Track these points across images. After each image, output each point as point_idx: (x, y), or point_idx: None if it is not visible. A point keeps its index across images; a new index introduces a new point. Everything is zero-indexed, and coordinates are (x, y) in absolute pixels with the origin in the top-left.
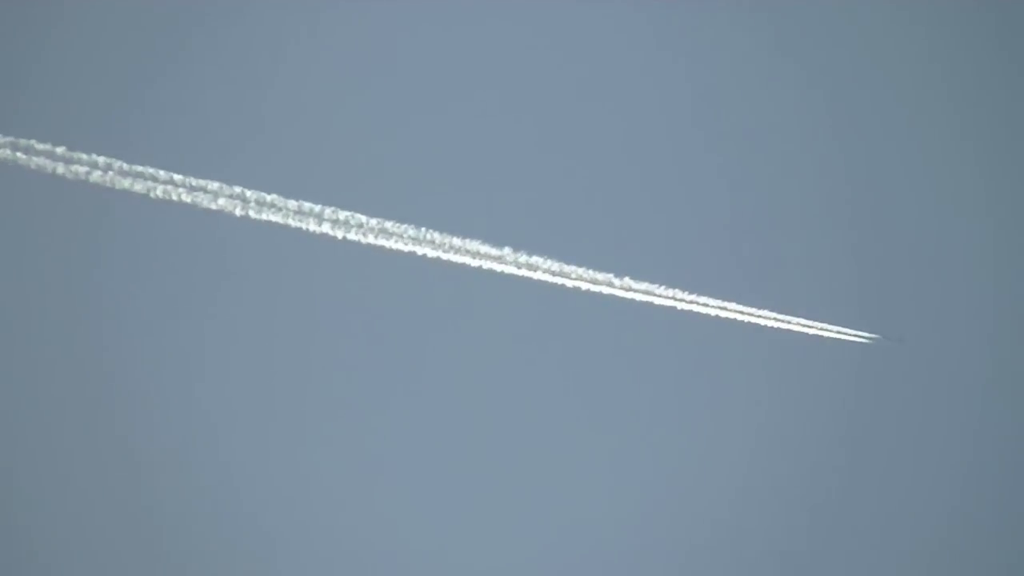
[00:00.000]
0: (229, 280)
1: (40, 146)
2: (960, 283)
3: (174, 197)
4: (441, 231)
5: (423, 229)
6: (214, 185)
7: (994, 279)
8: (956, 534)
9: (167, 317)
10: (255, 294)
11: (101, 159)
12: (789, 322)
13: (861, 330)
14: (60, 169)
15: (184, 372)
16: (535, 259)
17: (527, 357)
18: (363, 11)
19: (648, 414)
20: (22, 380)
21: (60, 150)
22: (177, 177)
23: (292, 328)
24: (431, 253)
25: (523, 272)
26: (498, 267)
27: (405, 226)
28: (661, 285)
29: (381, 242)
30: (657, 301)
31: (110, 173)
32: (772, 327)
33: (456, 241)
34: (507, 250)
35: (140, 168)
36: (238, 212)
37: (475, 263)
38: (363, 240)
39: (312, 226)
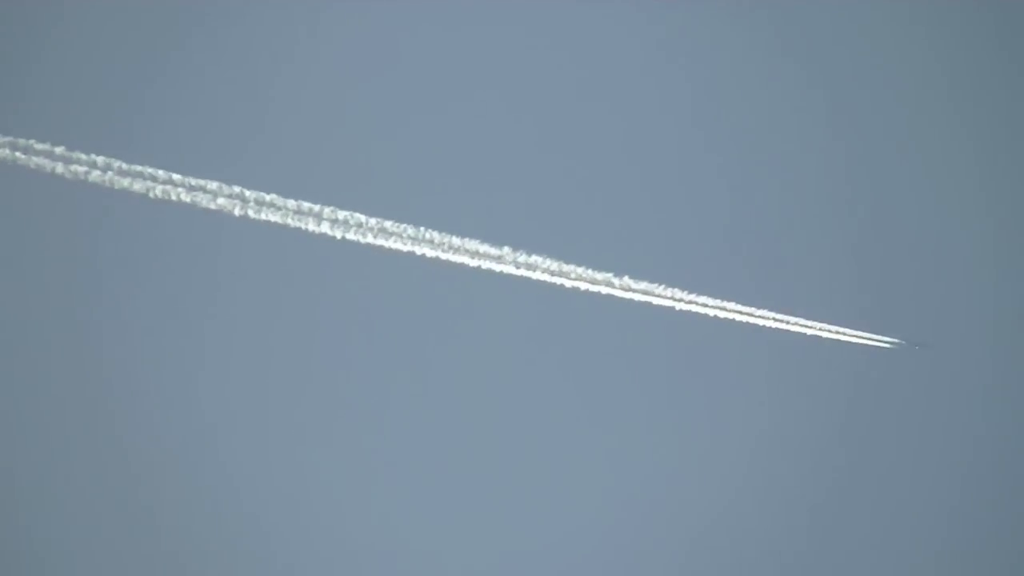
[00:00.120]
0: (228, 279)
1: (39, 146)
2: (982, 286)
3: (173, 197)
4: (440, 230)
5: (422, 228)
6: (213, 185)
7: (1017, 282)
8: (983, 539)
9: (166, 316)
10: (254, 294)
11: (100, 159)
12: (808, 326)
13: (883, 335)
14: (59, 169)
15: (183, 371)
16: (534, 258)
17: (527, 357)
18: (363, 11)
19: (647, 414)
20: (21, 379)
21: (59, 150)
22: (176, 177)
23: (291, 327)
24: (430, 253)
25: (522, 272)
26: (497, 267)
27: (404, 225)
28: (660, 285)
29: (380, 242)
30: (656, 301)
31: (109, 173)
32: (793, 332)
33: (455, 240)
34: (506, 249)
35: (139, 168)
36: (237, 212)
37: (474, 263)
38: (362, 240)
39: (311, 226)
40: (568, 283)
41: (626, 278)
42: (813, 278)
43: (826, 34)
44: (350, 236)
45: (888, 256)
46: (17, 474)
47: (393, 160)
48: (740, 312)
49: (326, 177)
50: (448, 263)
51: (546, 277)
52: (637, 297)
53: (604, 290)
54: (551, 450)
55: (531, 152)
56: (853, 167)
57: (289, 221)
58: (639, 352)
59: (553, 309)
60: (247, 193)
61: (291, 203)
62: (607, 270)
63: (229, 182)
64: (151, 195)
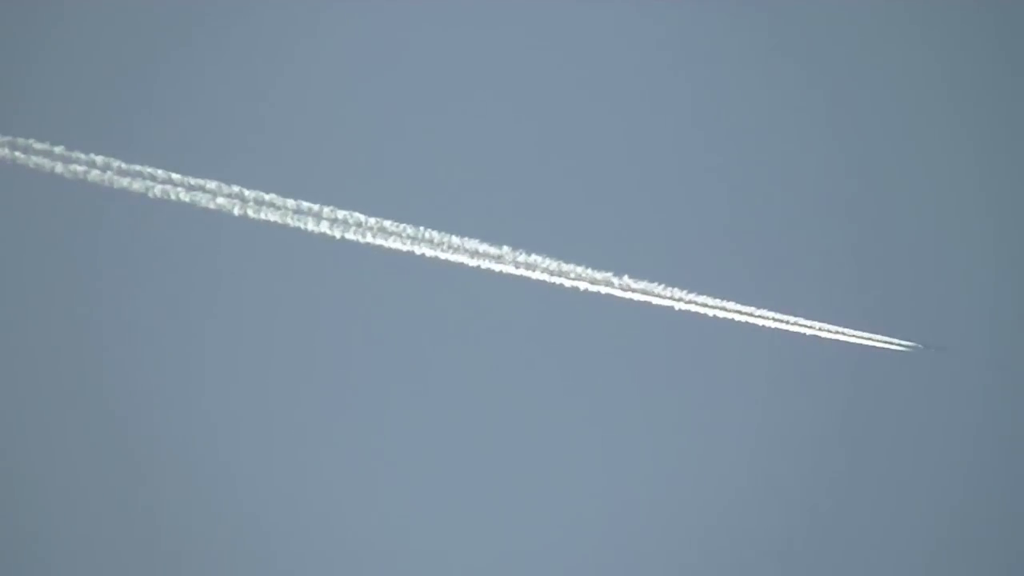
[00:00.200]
0: (227, 279)
1: (38, 145)
2: (1002, 289)
3: (172, 196)
4: (439, 230)
5: (421, 228)
6: (212, 184)
7: None
8: (1006, 544)
9: (166, 316)
10: (253, 293)
11: (99, 158)
12: (823, 329)
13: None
14: (59, 168)
15: (183, 370)
16: (534, 258)
17: (526, 356)
18: (362, 10)
19: (647, 414)
20: (21, 378)
21: (58, 149)
22: (175, 176)
23: (290, 327)
24: (429, 252)
25: (522, 271)
26: (497, 266)
27: (403, 225)
28: (661, 284)
29: (379, 241)
30: (656, 300)
31: (108, 172)
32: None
33: (455, 240)
34: (506, 249)
35: (138, 167)
36: (236, 211)
37: (474, 262)
38: (361, 239)
39: (310, 225)
40: (568, 283)
41: (626, 277)
42: (826, 280)
43: (826, 34)
44: (349, 235)
45: (908, 259)
46: (17, 474)
47: (392, 159)
48: (740, 312)
49: (325, 176)
50: (448, 263)
51: (546, 277)
52: (637, 297)
53: (604, 290)
54: (551, 450)
55: (531, 151)
56: (867, 168)
57: (288, 220)
58: (639, 352)
59: (553, 309)
60: (246, 192)
61: (290, 202)
62: (607, 269)
63: (228, 181)
64: (150, 194)
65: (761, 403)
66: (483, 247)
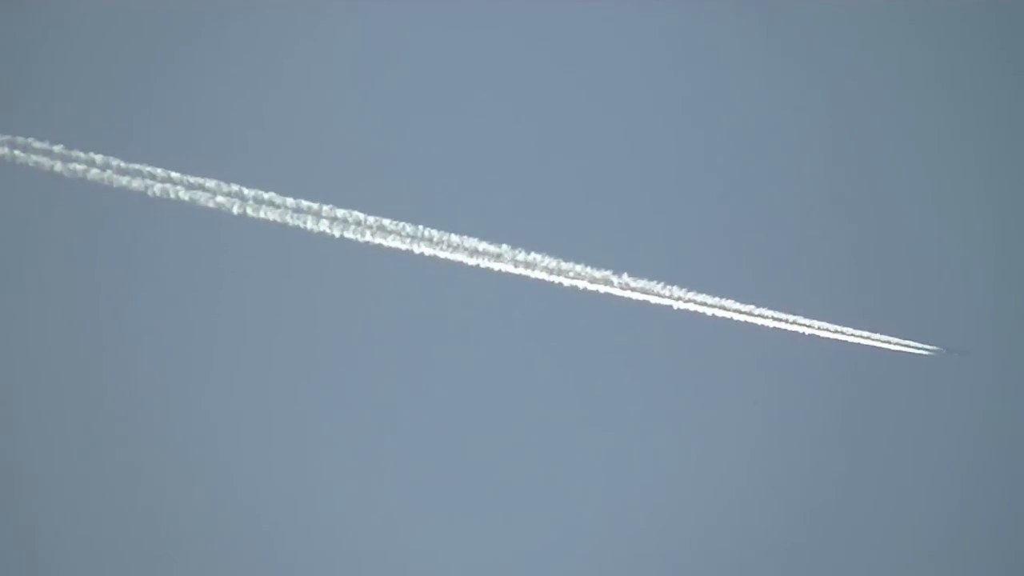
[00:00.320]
0: (227, 278)
1: (38, 144)
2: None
3: (172, 195)
4: (439, 229)
5: (421, 227)
6: (212, 183)
7: None
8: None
9: (165, 314)
10: (253, 292)
11: (99, 157)
12: (844, 333)
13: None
14: (58, 167)
15: (182, 369)
16: (533, 257)
17: (526, 355)
18: (361, 9)
19: (647, 412)
20: (20, 378)
21: (58, 148)
22: (175, 175)
23: (290, 325)
24: (429, 251)
25: (521, 270)
26: (496, 265)
27: (403, 224)
28: (660, 283)
29: (379, 240)
30: (656, 299)
31: (108, 171)
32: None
33: (454, 239)
34: (505, 248)
35: (138, 166)
36: (236, 210)
37: (473, 261)
38: (361, 238)
39: (310, 224)
40: (567, 281)
41: (625, 276)
42: (847, 283)
43: (826, 34)
44: (349, 234)
45: (933, 262)
46: (17, 474)
47: (392, 158)
48: (740, 311)
49: (325, 175)
50: (447, 261)
51: (545, 275)
52: (636, 295)
53: (603, 288)
54: (550, 448)
55: (530, 150)
56: (868, 168)
57: (288, 219)
58: (639, 350)
59: (552, 307)
60: (246, 191)
61: (290, 201)
62: (606, 268)
63: (228, 180)
64: (150, 193)
65: (762, 403)
66: (482, 246)
